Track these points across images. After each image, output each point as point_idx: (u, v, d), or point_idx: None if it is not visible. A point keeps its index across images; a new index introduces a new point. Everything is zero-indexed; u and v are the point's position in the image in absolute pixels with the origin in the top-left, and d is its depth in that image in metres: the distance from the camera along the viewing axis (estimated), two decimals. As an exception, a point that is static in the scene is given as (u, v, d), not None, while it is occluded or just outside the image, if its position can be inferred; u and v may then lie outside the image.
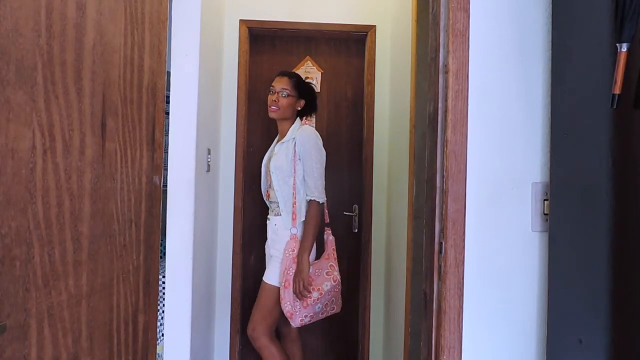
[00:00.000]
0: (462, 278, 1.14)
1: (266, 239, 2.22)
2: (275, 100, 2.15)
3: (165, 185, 1.67)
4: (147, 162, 1.35)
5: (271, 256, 2.12)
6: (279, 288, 2.03)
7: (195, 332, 1.89)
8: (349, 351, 2.78)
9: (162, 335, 1.86)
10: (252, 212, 2.71)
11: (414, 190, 1.82)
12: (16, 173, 0.78)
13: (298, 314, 1.99)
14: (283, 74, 2.23)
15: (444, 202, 1.16)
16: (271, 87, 2.19)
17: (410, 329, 1.84)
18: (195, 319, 1.88)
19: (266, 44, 2.76)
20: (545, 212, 1.16)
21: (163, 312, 1.85)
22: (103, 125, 1.08)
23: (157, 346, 1.60)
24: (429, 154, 1.26)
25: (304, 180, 2.07)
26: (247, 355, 2.72)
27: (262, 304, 2.06)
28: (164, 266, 1.79)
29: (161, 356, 1.78)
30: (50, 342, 0.89)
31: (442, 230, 1.16)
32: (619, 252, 0.88)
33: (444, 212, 1.16)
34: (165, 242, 1.79)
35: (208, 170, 2.16)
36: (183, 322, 1.79)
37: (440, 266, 1.17)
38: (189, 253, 1.80)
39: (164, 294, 1.81)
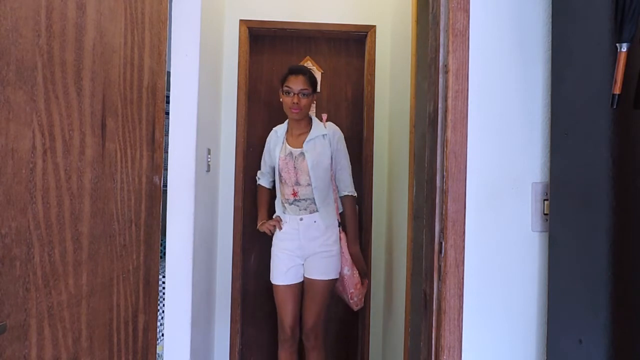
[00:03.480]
0: (462, 278, 1.14)
1: (270, 239, 2.24)
2: (296, 103, 2.12)
3: (165, 185, 1.67)
4: (147, 162, 1.35)
5: (321, 252, 2.15)
6: (334, 281, 2.19)
7: (195, 332, 1.89)
8: (349, 351, 2.78)
9: (162, 335, 1.86)
10: (252, 212, 2.71)
11: (414, 190, 1.82)
12: (16, 173, 0.78)
13: (360, 296, 2.25)
14: (297, 71, 2.18)
15: (444, 202, 1.16)
16: (287, 88, 2.14)
17: (410, 329, 1.83)
18: (195, 319, 1.88)
19: (266, 44, 2.76)
20: (545, 212, 1.16)
21: (163, 312, 1.85)
22: (103, 125, 1.08)
23: (157, 346, 1.60)
24: (429, 154, 1.26)
25: (335, 175, 2.23)
26: (247, 355, 2.72)
27: (322, 300, 2.16)
28: (164, 266, 1.79)
29: (161, 356, 1.78)
30: (50, 342, 0.89)
31: (442, 230, 1.16)
32: (619, 252, 0.88)
33: (444, 212, 1.16)
34: (165, 242, 1.79)
35: (208, 170, 2.16)
36: (183, 322, 1.79)
37: (440, 266, 1.17)
38: (189, 253, 1.80)
39: (164, 294, 1.81)
